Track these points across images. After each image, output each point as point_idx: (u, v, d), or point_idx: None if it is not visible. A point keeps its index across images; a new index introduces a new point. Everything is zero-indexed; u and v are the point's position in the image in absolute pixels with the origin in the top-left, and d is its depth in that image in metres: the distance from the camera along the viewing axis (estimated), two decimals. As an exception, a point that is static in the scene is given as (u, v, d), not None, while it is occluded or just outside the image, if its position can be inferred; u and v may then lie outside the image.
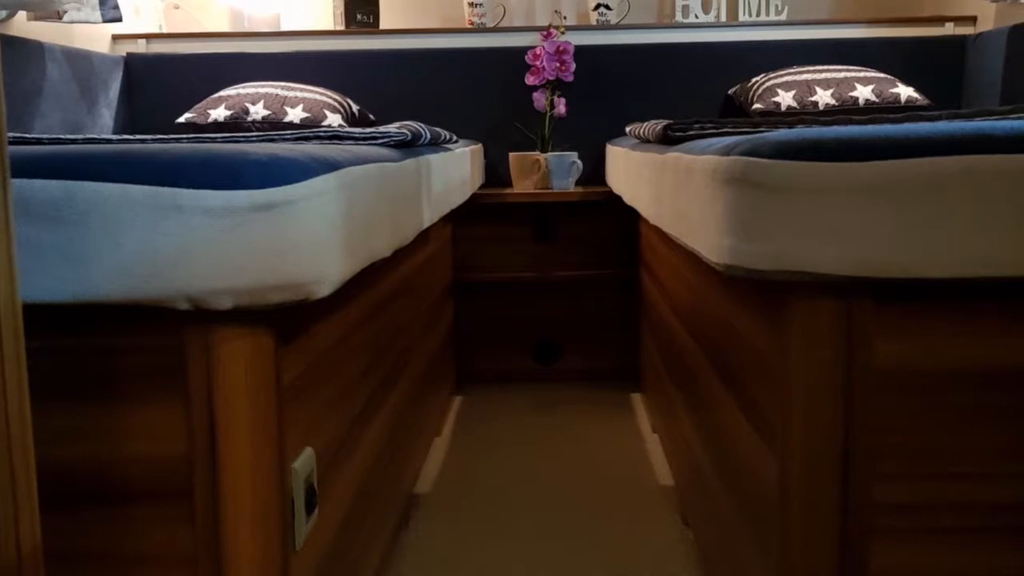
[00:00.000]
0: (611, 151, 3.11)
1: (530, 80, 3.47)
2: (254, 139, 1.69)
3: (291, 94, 3.16)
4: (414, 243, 2.13)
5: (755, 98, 3.21)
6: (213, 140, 1.65)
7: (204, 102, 3.20)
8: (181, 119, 3.14)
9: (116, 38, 3.64)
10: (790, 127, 1.58)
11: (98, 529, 1.07)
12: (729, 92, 3.51)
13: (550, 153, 3.39)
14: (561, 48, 3.43)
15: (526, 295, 3.34)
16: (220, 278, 0.99)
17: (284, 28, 3.84)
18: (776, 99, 3.12)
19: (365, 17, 3.78)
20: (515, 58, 3.55)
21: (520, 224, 3.31)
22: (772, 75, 3.27)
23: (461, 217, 3.24)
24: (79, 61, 3.20)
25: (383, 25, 3.85)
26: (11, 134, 1.94)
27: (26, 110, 2.84)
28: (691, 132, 1.74)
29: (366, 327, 1.59)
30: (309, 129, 2.13)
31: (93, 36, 3.46)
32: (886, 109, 3.04)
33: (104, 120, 3.38)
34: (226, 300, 1.00)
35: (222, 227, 0.98)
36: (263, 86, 3.23)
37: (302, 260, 1.02)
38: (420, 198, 1.85)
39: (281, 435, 1.08)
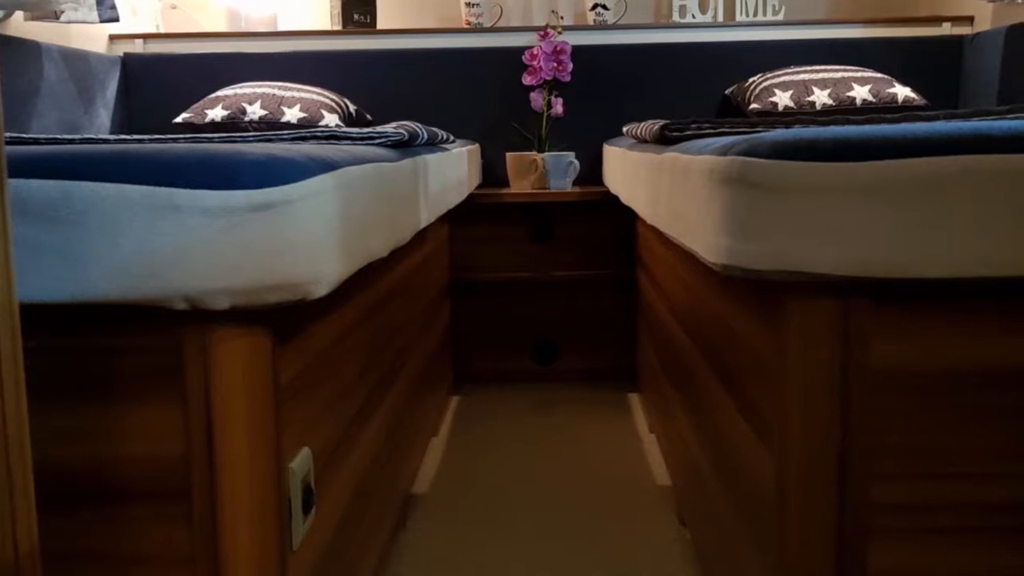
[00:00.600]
0: (608, 151, 3.11)
1: (527, 80, 3.47)
2: (251, 139, 1.69)
3: (288, 94, 3.16)
4: (411, 243, 2.13)
5: (752, 98, 3.21)
6: (210, 140, 1.65)
7: (201, 102, 3.19)
8: (178, 119, 3.14)
9: (113, 38, 3.64)
10: (787, 127, 1.58)
11: (96, 529, 1.07)
12: (726, 92, 3.52)
13: (547, 153, 3.39)
14: (558, 48, 3.43)
15: (523, 295, 3.34)
16: (217, 278, 0.99)
17: (281, 28, 3.84)
18: (773, 99, 3.12)
19: (362, 17, 3.78)
20: (512, 58, 3.55)
21: (517, 224, 3.32)
22: (769, 75, 3.27)
23: (458, 217, 3.24)
24: (76, 61, 3.19)
25: (380, 25, 3.85)
26: (8, 134, 1.94)
27: (23, 110, 2.84)
28: (688, 132, 1.74)
29: (363, 327, 1.59)
30: (306, 129, 2.13)
31: (90, 36, 3.45)
32: (883, 109, 3.05)
33: (101, 120, 3.38)
34: (223, 300, 1.00)
35: (219, 227, 0.98)
36: (260, 86, 3.23)
37: (299, 260, 1.02)
38: (417, 198, 1.85)
39: (278, 435, 1.08)
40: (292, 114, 3.06)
